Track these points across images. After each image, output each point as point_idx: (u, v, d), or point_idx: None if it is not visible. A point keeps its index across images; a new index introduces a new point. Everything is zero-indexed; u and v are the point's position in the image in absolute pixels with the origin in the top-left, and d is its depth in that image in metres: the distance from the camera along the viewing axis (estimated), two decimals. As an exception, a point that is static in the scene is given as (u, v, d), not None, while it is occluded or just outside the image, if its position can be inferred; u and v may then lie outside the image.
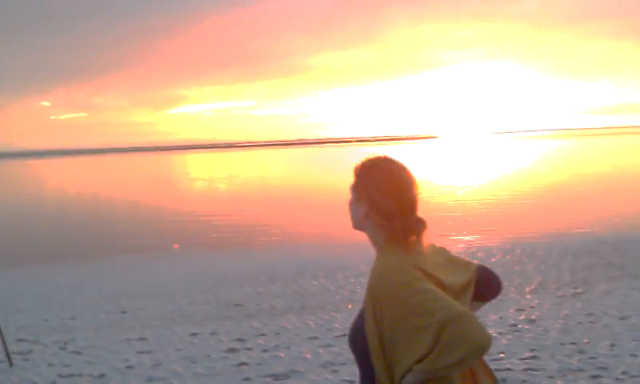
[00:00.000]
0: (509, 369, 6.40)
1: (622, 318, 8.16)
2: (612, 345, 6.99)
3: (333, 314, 9.54)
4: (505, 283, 9.35)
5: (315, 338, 8.05)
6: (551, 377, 6.13)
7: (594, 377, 6.06)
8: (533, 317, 8.48)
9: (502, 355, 6.84)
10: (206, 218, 25.66)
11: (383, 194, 2.29)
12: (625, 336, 7.31)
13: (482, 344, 2.03)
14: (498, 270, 9.22)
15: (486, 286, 2.47)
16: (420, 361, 2.07)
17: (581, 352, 6.79)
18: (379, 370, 2.19)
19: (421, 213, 2.38)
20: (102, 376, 7.00)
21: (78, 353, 8.08)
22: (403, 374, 2.12)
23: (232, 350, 7.67)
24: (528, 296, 10.01)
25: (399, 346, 2.12)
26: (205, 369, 7.02)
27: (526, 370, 6.36)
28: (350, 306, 10.04)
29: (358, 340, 2.29)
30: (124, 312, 10.59)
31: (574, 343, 7.13)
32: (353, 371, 6.70)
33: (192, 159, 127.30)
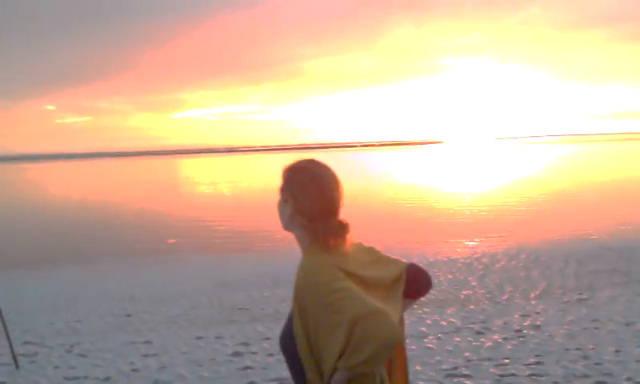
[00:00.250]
0: (513, 374, 6.41)
1: (627, 324, 8.16)
2: (617, 351, 7.00)
3: (337, 318, 9.54)
4: (509, 289, 9.43)
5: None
6: (556, 382, 6.14)
7: (599, 383, 6.07)
8: (538, 322, 8.49)
9: (506, 361, 6.85)
10: (211, 222, 25.70)
11: (306, 196, 2.37)
12: (630, 342, 7.31)
13: (391, 340, 2.08)
14: (503, 276, 9.29)
15: (416, 283, 2.53)
16: (339, 359, 2.13)
17: (585, 358, 6.79)
18: (309, 371, 2.23)
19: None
20: (107, 379, 7.04)
21: (83, 355, 8.11)
22: (331, 373, 2.16)
23: (237, 354, 7.70)
24: (533, 302, 10.00)
25: (323, 345, 2.17)
26: (210, 372, 7.05)
27: (531, 375, 6.36)
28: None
29: (288, 342, 2.33)
30: (129, 315, 10.62)
31: (578, 349, 7.14)
32: (358, 376, 6.71)
33: (195, 163, 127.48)
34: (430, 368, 6.73)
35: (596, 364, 6.57)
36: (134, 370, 7.31)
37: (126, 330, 9.54)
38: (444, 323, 8.73)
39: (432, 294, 10.91)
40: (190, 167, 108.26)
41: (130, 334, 9.20)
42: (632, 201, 28.02)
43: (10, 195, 53.54)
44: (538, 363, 6.70)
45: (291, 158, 2.75)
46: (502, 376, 6.40)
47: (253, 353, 7.72)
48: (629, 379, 6.11)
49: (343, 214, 2.48)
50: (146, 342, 8.56)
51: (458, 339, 7.84)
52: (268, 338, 8.38)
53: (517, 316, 8.93)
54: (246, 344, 8.15)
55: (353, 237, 2.46)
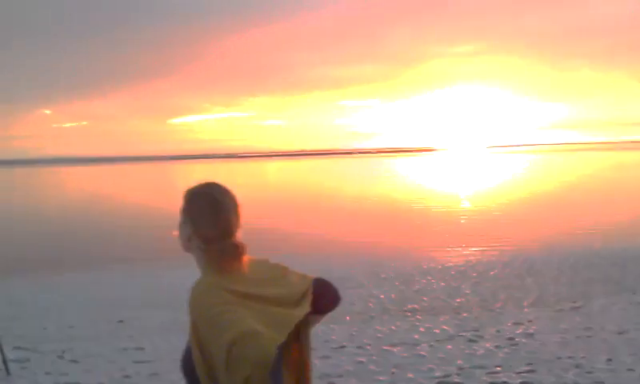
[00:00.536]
0: (505, 382, 6.41)
1: (620, 333, 8.17)
2: (609, 359, 7.00)
3: (331, 325, 9.53)
4: (503, 296, 9.42)
5: (312, 349, 7.97)
6: (548, 391, 6.14)
7: (591, 391, 6.07)
8: (531, 330, 8.49)
9: (498, 368, 6.85)
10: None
11: (203, 219, 2.43)
12: (622, 350, 7.31)
13: (263, 361, 2.13)
14: (496, 284, 9.29)
15: (322, 297, 2.55)
16: None
17: (578, 366, 6.79)
18: None
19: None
20: (98, 385, 7.01)
21: (75, 362, 8.08)
22: None
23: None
24: (526, 310, 10.01)
25: (215, 366, 2.21)
26: (202, 379, 7.02)
27: (523, 383, 6.36)
28: (348, 318, 10.03)
29: (188, 365, 2.37)
30: (122, 321, 10.59)
31: (571, 357, 7.14)
32: None
33: (192, 169, 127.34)
34: (421, 375, 6.72)
35: (588, 373, 6.57)
36: (125, 377, 7.28)
37: (118, 336, 9.51)
38: (437, 331, 8.73)
39: (425, 302, 10.93)
40: (185, 173, 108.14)
41: (122, 340, 9.17)
42: (625, 208, 28.07)
43: (4, 200, 53.38)
44: (530, 371, 6.70)
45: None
46: (493, 384, 6.40)
47: (245, 360, 7.69)
48: (620, 388, 6.11)
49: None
50: (138, 349, 8.53)
51: (450, 347, 7.83)
52: (260, 345, 8.35)
53: (510, 324, 8.93)
54: (238, 351, 8.11)
55: (261, 254, 2.55)
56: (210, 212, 2.43)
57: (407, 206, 32.76)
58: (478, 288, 11.88)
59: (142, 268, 16.80)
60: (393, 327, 9.09)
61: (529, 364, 6.95)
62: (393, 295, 11.62)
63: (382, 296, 11.59)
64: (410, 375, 6.75)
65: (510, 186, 48.55)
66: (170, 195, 52.32)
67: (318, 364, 7.36)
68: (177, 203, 2.59)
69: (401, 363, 7.21)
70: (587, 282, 12.11)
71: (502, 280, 12.53)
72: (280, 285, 2.47)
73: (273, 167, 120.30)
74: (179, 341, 9.08)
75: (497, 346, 7.74)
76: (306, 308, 2.46)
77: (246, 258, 2.45)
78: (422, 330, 8.83)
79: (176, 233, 2.56)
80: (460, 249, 17.73)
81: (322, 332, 9.05)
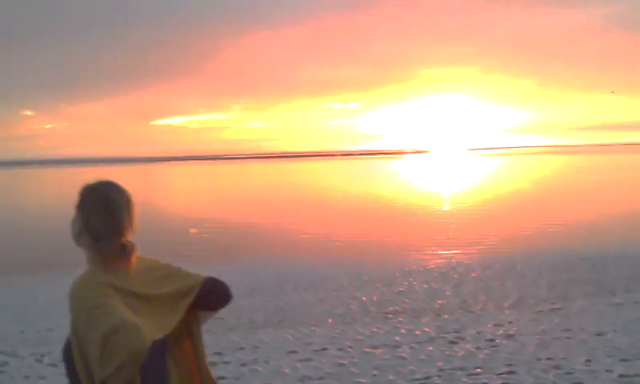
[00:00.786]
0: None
1: (599, 334, 8.24)
2: (588, 360, 7.06)
3: (312, 327, 9.54)
4: (483, 298, 9.46)
5: (294, 351, 8.04)
6: (527, 392, 6.18)
7: (570, 392, 6.12)
8: (511, 332, 8.54)
9: (479, 370, 6.88)
10: (186, 230, 25.56)
11: (93, 216, 2.48)
12: (601, 352, 7.38)
13: (138, 351, 2.21)
14: (477, 285, 9.33)
15: (212, 295, 2.66)
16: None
17: (557, 367, 6.84)
18: (84, 381, 2.35)
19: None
20: (78, 389, 6.94)
21: (54, 365, 8.01)
22: None
23: (210, 364, 7.61)
24: (506, 311, 10.07)
25: (92, 359, 2.28)
26: (182, 382, 6.98)
27: (503, 385, 6.40)
28: (329, 320, 10.05)
29: (68, 355, 2.46)
30: (102, 324, 10.49)
31: (550, 359, 7.19)
32: (330, 385, 6.71)
33: (175, 170, 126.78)
34: (402, 378, 6.74)
35: (567, 373, 6.62)
36: (105, 380, 7.22)
37: (99, 340, 9.42)
38: (418, 333, 8.76)
39: (407, 304, 10.97)
40: (167, 174, 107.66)
41: (103, 344, 9.08)
42: (605, 211, 28.35)
43: (-16, 202, 52.77)
44: (509, 373, 6.74)
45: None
46: (474, 386, 6.43)
47: (226, 363, 7.68)
48: (599, 389, 6.17)
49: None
50: (118, 352, 8.46)
51: (431, 348, 7.86)
52: (242, 348, 8.35)
53: (490, 325, 8.99)
54: (219, 354, 8.10)
55: (152, 254, 2.62)
56: (101, 210, 2.47)
57: (389, 207, 32.85)
58: (458, 290, 11.94)
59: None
60: (374, 329, 9.11)
61: (509, 365, 7.00)
62: (374, 297, 11.64)
63: (363, 298, 11.61)
64: (391, 377, 6.77)
65: (489, 187, 48.85)
66: (149, 197, 52.04)
67: (299, 367, 7.36)
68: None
69: (382, 365, 7.23)
70: (567, 283, 12.22)
71: (483, 282, 12.60)
72: (166, 284, 2.54)
73: (255, 169, 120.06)
74: (160, 344, 9.03)
75: (477, 348, 7.78)
76: (183, 307, 2.53)
77: (134, 258, 2.51)
78: (403, 331, 8.86)
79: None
80: (441, 250, 17.81)
81: (303, 334, 9.06)
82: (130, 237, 2.52)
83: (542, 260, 14.96)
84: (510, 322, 9.13)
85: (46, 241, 24.47)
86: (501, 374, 6.72)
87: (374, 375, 6.89)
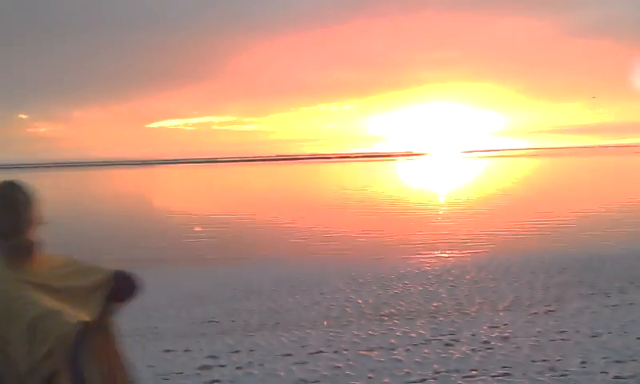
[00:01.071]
0: (481, 386, 6.44)
1: (594, 336, 8.25)
2: (583, 362, 7.07)
3: (307, 330, 9.53)
4: (478, 300, 9.46)
5: (289, 354, 8.03)
6: (522, 394, 6.18)
7: (565, 394, 6.12)
8: (506, 334, 8.55)
9: (474, 372, 6.88)
10: (182, 233, 25.51)
11: None
12: (596, 353, 7.39)
13: (66, 335, 2.31)
14: (472, 287, 9.34)
15: (122, 287, 2.71)
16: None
17: (552, 369, 6.85)
18: (6, 376, 2.37)
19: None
20: (72, 393, 6.91)
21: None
22: (26, 376, 2.32)
23: (205, 367, 7.63)
24: (501, 313, 10.08)
25: (12, 352, 2.32)
26: (177, 386, 6.97)
27: (498, 387, 6.40)
28: (325, 323, 10.03)
29: None
30: (97, 328, 10.46)
31: (545, 360, 7.20)
32: (326, 388, 6.71)
33: (169, 173, 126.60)
34: (398, 380, 6.73)
35: (562, 375, 6.63)
36: (99, 384, 7.19)
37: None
38: (413, 335, 8.75)
39: (402, 306, 10.97)
40: (161, 178, 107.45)
41: (97, 347, 9.05)
42: (599, 213, 28.41)
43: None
44: (505, 375, 6.74)
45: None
46: (469, 388, 6.43)
47: (221, 366, 7.66)
48: (594, 390, 6.17)
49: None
50: (113, 356, 8.43)
51: (426, 351, 7.86)
52: (237, 351, 8.33)
53: (485, 327, 8.99)
54: (214, 357, 8.08)
55: (59, 251, 2.67)
56: (3, 209, 2.50)
57: (385, 209, 32.86)
58: (454, 292, 11.95)
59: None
60: (370, 332, 9.10)
61: (504, 367, 7.00)
62: (370, 299, 11.64)
63: (359, 300, 11.60)
64: (387, 380, 6.77)
65: (482, 189, 48.91)
66: (145, 200, 51.95)
67: (294, 370, 7.35)
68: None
69: (377, 368, 7.22)
70: (561, 285, 12.24)
71: (478, 284, 12.61)
72: (79, 278, 2.59)
73: (249, 171, 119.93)
74: (154, 347, 9.04)
75: (472, 350, 7.78)
76: (101, 298, 2.59)
77: (40, 254, 2.55)
78: (398, 334, 8.86)
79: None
80: (437, 252, 17.82)
81: (298, 337, 9.04)
82: (36, 233, 2.56)
83: (536, 262, 14.98)
84: (505, 324, 9.14)
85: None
86: (496, 376, 6.72)
87: (370, 378, 6.88)
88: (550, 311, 10.01)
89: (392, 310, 10.70)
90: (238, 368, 7.52)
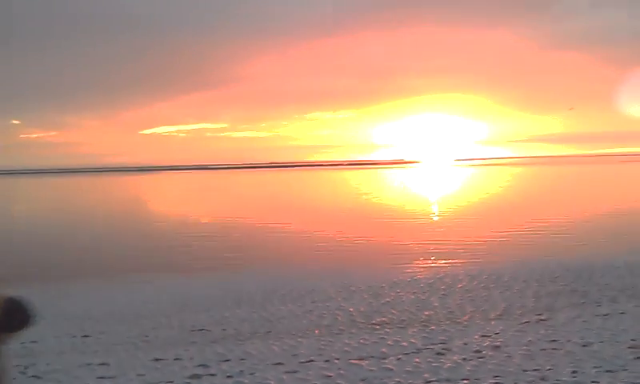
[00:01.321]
0: (472, 396, 6.42)
1: (585, 345, 8.25)
2: (574, 371, 7.06)
3: (299, 339, 9.49)
4: (470, 309, 9.42)
5: (280, 363, 7.99)
6: (513, 404, 6.16)
7: (556, 404, 6.10)
8: (497, 343, 8.53)
9: (465, 381, 6.86)
10: (174, 242, 25.43)
11: None
12: (587, 363, 7.38)
13: None
14: (464, 296, 9.31)
15: (10, 317, 2.57)
16: None
17: (543, 379, 6.84)
18: None
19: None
20: (61, 402, 6.86)
21: (38, 377, 7.92)
22: None
23: (195, 376, 7.58)
24: (493, 322, 10.07)
25: None
26: (167, 395, 6.93)
27: (489, 396, 6.39)
28: (316, 332, 10.00)
29: None
30: (87, 336, 10.41)
31: (536, 370, 7.18)
32: (317, 398, 6.67)
33: (162, 180, 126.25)
34: (389, 390, 6.71)
35: (553, 385, 6.62)
36: (88, 393, 7.15)
37: (83, 352, 9.35)
38: (405, 344, 8.73)
39: (394, 315, 10.95)
40: (155, 185, 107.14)
41: (87, 356, 9.01)
42: (592, 222, 28.50)
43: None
44: (496, 384, 6.73)
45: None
46: (460, 397, 6.41)
47: (211, 375, 7.61)
48: (585, 400, 6.16)
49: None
50: (103, 364, 8.39)
51: (418, 360, 7.84)
52: (228, 360, 8.28)
53: (477, 336, 8.98)
54: (204, 366, 8.04)
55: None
56: None
57: (377, 218, 32.85)
58: (446, 301, 11.94)
59: (109, 282, 16.57)
60: (361, 340, 9.08)
61: (495, 376, 6.98)
62: (362, 308, 11.61)
63: (350, 309, 11.58)
64: (378, 389, 6.74)
65: (473, 198, 49.01)
66: (139, 208, 51.76)
67: (285, 379, 7.31)
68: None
69: (368, 377, 7.19)
70: (553, 294, 12.24)
71: (470, 293, 12.60)
72: None
73: (242, 179, 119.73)
74: (145, 355, 8.97)
75: (464, 359, 7.77)
76: None
77: None
78: (390, 343, 8.83)
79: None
80: (429, 261, 17.82)
81: (289, 346, 9.01)
82: None
83: (528, 271, 14.99)
84: (497, 333, 9.13)
85: (32, 251, 24.27)
86: (487, 385, 6.70)
87: (361, 387, 6.85)
88: (541, 320, 10.00)
89: (384, 319, 10.68)
90: (228, 377, 7.48)
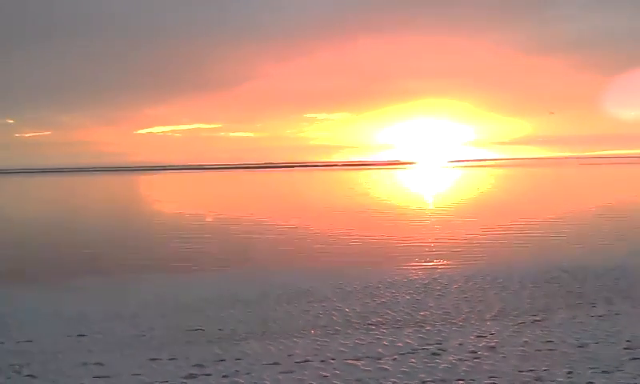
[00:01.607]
0: (467, 396, 6.43)
1: (580, 346, 8.27)
2: (569, 372, 7.08)
3: (295, 339, 9.49)
4: (466, 310, 9.45)
5: (276, 363, 7.99)
6: (509, 404, 6.17)
7: (551, 404, 6.12)
8: (493, 344, 8.55)
9: (461, 382, 6.88)
10: (170, 242, 25.40)
11: None
12: (582, 364, 7.41)
13: None
14: (460, 297, 9.36)
15: None
16: None
17: (539, 379, 6.86)
18: None
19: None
20: (56, 401, 6.85)
21: (33, 377, 7.90)
22: None
23: (191, 376, 7.57)
24: (488, 323, 10.08)
25: None
26: (163, 395, 6.92)
27: (485, 397, 6.40)
28: (312, 332, 10.00)
29: None
30: (83, 336, 10.38)
31: (532, 370, 7.20)
32: (313, 398, 6.67)
33: (157, 180, 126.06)
34: (385, 390, 6.72)
35: (548, 385, 6.63)
36: (84, 393, 7.13)
37: (78, 351, 9.33)
38: (400, 344, 8.74)
39: (389, 315, 10.95)
40: (150, 184, 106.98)
41: (82, 355, 8.99)
42: (587, 224, 28.55)
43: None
44: (491, 385, 6.74)
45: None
46: (456, 398, 6.42)
47: (207, 375, 7.61)
48: (580, 401, 6.17)
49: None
50: (98, 364, 8.37)
51: (413, 360, 7.85)
52: (223, 360, 8.28)
53: (472, 337, 8.99)
54: (200, 366, 8.03)
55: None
56: None
57: (373, 218, 32.85)
58: (441, 301, 11.95)
59: (104, 282, 16.53)
60: (357, 341, 9.08)
61: (491, 377, 7.00)
62: (357, 308, 11.61)
63: (346, 309, 11.58)
64: (373, 389, 6.74)
65: (467, 199, 49.06)
66: (134, 208, 51.67)
67: (280, 379, 7.31)
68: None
69: (364, 377, 7.20)
70: (548, 295, 12.27)
71: (465, 293, 12.61)
72: None
73: (238, 179, 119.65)
74: (141, 355, 8.96)
75: (459, 360, 7.78)
76: None
77: None
78: (385, 343, 8.84)
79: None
80: (424, 262, 17.82)
81: (285, 346, 9.01)
82: None
83: (523, 272, 15.01)
84: (492, 334, 9.14)
85: (28, 251, 24.21)
86: (483, 386, 6.71)
87: (357, 387, 6.86)
88: (536, 321, 10.02)
89: (379, 319, 10.69)
90: (224, 377, 7.47)
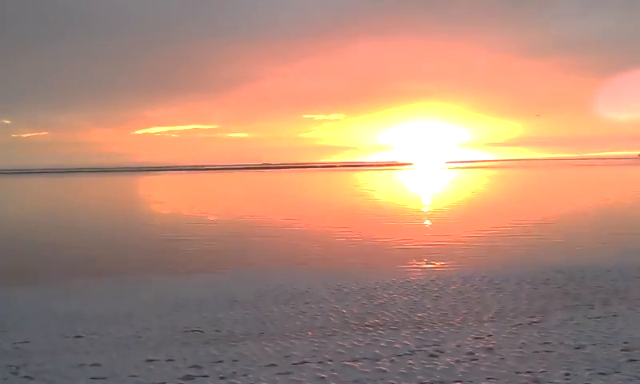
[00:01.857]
0: (465, 398, 6.43)
1: (578, 348, 8.28)
2: (567, 374, 7.08)
3: (292, 340, 9.48)
4: (463, 311, 9.47)
5: (273, 365, 7.98)
6: (507, 406, 6.17)
7: (549, 406, 6.11)
8: (490, 345, 8.55)
9: (458, 384, 6.87)
10: (167, 242, 25.37)
11: None
12: (580, 365, 7.41)
13: None
14: (457, 298, 9.39)
15: None
16: None
17: (536, 381, 6.86)
18: None
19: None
20: (53, 403, 6.83)
21: (29, 378, 7.88)
22: None
23: (188, 377, 7.56)
24: (486, 324, 10.09)
25: None
26: (160, 396, 6.90)
27: (482, 398, 6.39)
28: (309, 333, 9.99)
29: None
30: (79, 336, 10.36)
31: (529, 372, 7.20)
32: (310, 399, 6.66)
33: (154, 181, 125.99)
34: (382, 391, 6.71)
35: (546, 387, 6.63)
36: (81, 394, 7.11)
37: (75, 352, 9.31)
38: (398, 346, 8.74)
39: (387, 316, 10.95)
40: (147, 185, 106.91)
41: (79, 356, 8.97)
42: (585, 224, 28.59)
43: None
44: (489, 386, 6.74)
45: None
46: (453, 399, 6.42)
47: (204, 376, 7.60)
48: (577, 402, 6.17)
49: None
50: (95, 365, 8.36)
51: (411, 362, 7.85)
52: (220, 361, 8.26)
53: (470, 338, 8.99)
54: (197, 367, 8.01)
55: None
56: None
57: (370, 219, 32.87)
58: (439, 302, 11.95)
59: (101, 282, 16.50)
60: (354, 342, 9.07)
61: (488, 379, 7.00)
62: (354, 309, 11.61)
63: (343, 310, 11.57)
64: (371, 391, 6.73)
65: (468, 201, 49.10)
66: (131, 208, 51.63)
67: (278, 380, 7.30)
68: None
69: (361, 379, 7.19)
70: (545, 296, 12.28)
71: (463, 295, 12.62)
72: None
73: (235, 179, 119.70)
74: (138, 356, 8.94)
75: (457, 361, 7.78)
76: None
77: None
78: (383, 344, 8.83)
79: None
80: (422, 263, 17.83)
81: (283, 347, 8.99)
82: None
83: (520, 273, 15.02)
84: (490, 336, 9.15)
85: (25, 252, 24.17)
86: (480, 387, 6.71)
87: (354, 389, 6.85)
88: (534, 322, 10.03)
89: (377, 321, 10.68)
90: (221, 378, 7.46)
